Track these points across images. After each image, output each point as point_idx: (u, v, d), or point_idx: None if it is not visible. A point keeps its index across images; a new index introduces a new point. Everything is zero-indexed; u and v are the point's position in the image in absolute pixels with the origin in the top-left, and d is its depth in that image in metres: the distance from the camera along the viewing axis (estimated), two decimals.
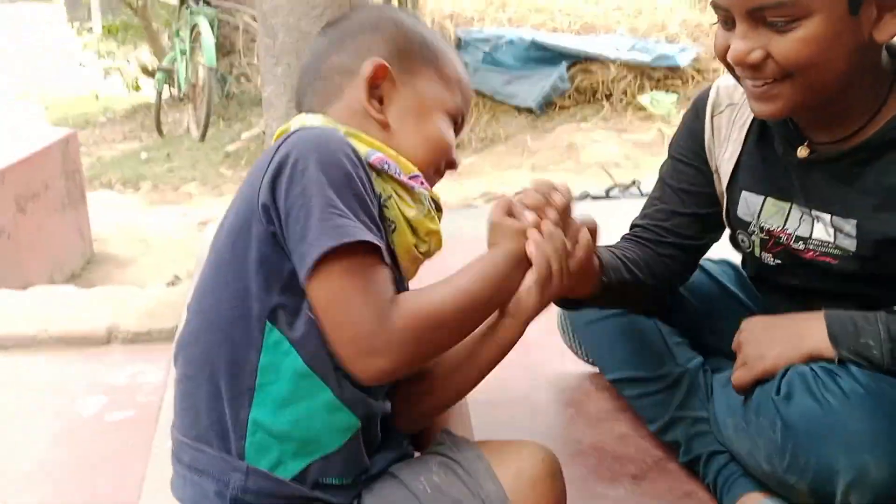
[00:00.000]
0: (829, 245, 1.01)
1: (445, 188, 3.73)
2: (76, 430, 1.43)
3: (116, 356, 1.72)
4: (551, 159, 4.38)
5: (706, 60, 5.13)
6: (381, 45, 0.90)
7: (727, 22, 0.91)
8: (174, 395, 0.85)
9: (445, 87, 0.92)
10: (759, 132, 1.06)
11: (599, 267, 1.01)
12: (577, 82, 5.07)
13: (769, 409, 0.98)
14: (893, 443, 0.87)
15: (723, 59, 0.94)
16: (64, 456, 1.35)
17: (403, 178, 0.83)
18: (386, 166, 0.82)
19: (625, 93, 5.03)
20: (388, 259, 0.78)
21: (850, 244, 0.98)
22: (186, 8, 5.66)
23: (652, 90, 5.02)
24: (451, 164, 0.93)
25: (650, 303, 1.19)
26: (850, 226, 0.98)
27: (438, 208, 0.89)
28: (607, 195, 3.19)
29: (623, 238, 1.20)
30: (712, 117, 1.12)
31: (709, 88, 1.15)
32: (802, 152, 1.00)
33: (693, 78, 5.05)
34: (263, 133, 2.31)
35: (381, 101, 0.89)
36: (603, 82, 5.04)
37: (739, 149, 1.08)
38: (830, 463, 0.90)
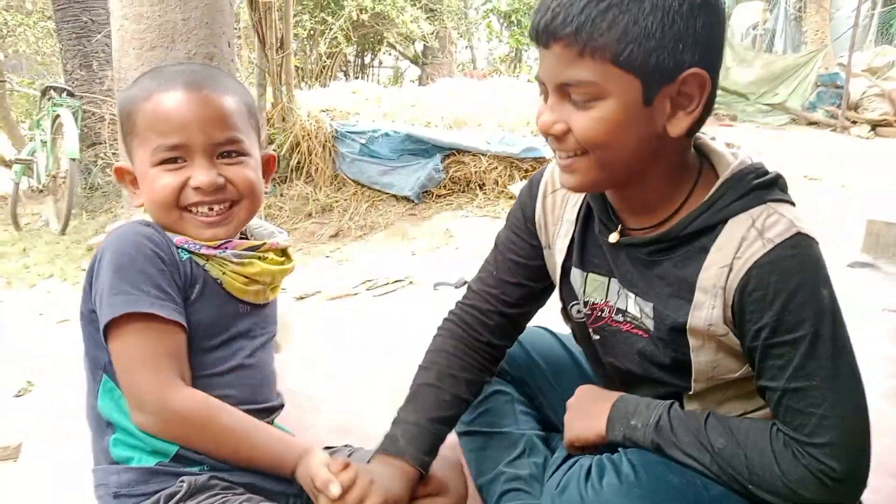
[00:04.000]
0: (639, 320, 1.06)
1: (327, 277, 3.67)
2: None
3: None
4: (430, 245, 4.47)
5: None
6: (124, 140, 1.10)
7: (545, 95, 0.96)
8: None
9: (143, 141, 1.05)
10: (586, 213, 1.12)
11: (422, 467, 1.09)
12: (451, 173, 5.27)
13: (548, 498, 1.04)
14: None
15: (540, 129, 0.99)
16: None
17: (205, 251, 1.06)
18: (187, 245, 1.05)
19: (496, 182, 5.26)
20: (180, 318, 1.00)
21: (650, 324, 1.04)
22: (48, 99, 5.45)
23: (521, 180, 5.30)
24: (198, 190, 1.05)
25: (483, 376, 1.23)
26: (648, 308, 1.04)
27: (259, 248, 1.11)
28: None
29: (450, 313, 1.26)
30: (544, 197, 1.17)
31: (545, 168, 1.19)
32: (613, 237, 1.05)
33: None
34: None
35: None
36: (476, 173, 5.26)
37: (573, 228, 1.13)
38: None
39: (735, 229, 0.94)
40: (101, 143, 5.80)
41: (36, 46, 7.64)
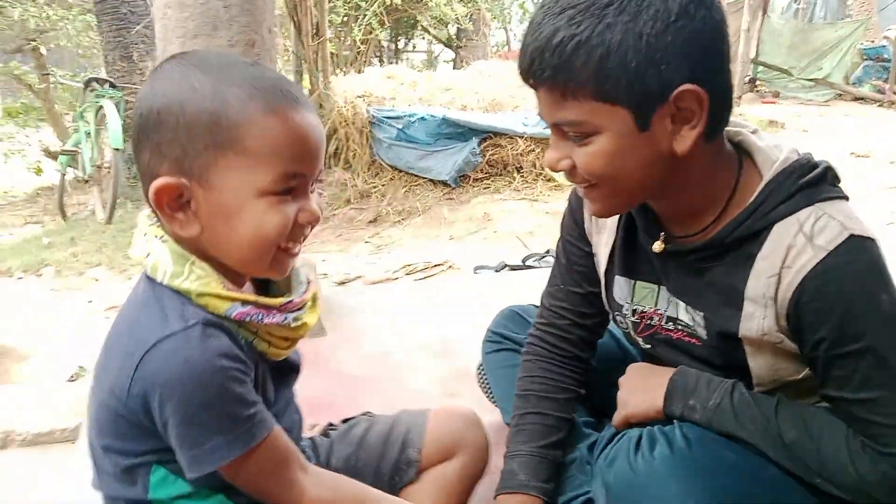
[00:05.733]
0: (691, 328, 1.03)
1: (367, 262, 3.68)
2: None
3: (13, 461, 1.59)
4: (468, 230, 4.46)
5: None
6: (167, 148, 0.80)
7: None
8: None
9: (254, 163, 0.81)
10: (628, 221, 1.09)
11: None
12: (488, 156, 5.24)
13: (599, 475, 1.03)
14: (687, 501, 0.90)
15: (548, 167, 0.98)
16: None
17: (268, 320, 0.87)
18: (247, 319, 0.85)
19: (534, 165, 5.22)
20: (272, 418, 0.87)
21: (702, 332, 1.01)
22: (91, 90, 5.55)
23: None
24: (306, 225, 0.86)
25: (578, 388, 1.25)
26: (699, 317, 1.01)
27: (310, 303, 0.95)
28: (524, 264, 3.26)
29: (531, 335, 1.26)
30: None
31: None
32: (658, 246, 1.02)
33: None
34: None
35: (188, 205, 0.82)
36: (513, 155, 5.22)
37: (614, 236, 1.11)
38: None
39: (781, 235, 0.89)
40: None
41: (77, 40, 7.77)
